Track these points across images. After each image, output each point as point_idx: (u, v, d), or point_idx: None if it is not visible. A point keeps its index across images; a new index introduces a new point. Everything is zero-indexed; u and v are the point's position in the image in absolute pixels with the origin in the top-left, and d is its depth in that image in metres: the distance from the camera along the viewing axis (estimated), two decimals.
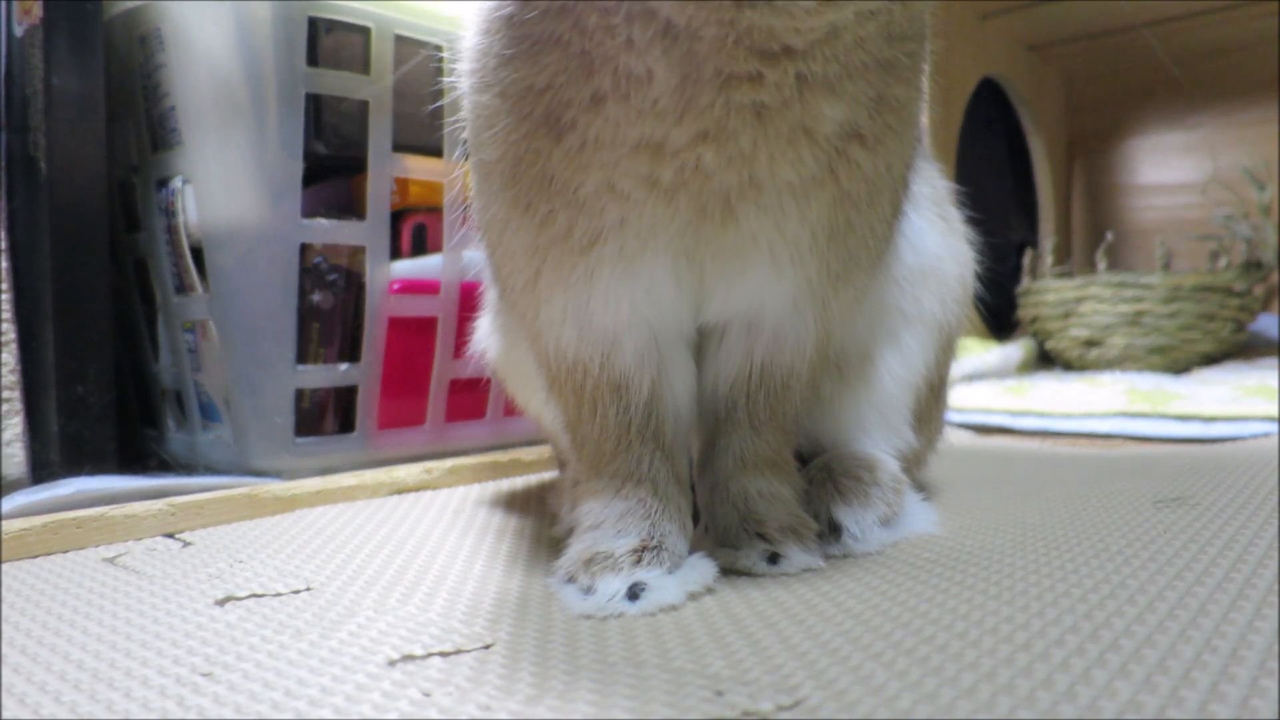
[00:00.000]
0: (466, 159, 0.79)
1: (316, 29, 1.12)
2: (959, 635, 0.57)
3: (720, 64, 0.61)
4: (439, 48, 1.21)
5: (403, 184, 1.22)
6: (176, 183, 1.17)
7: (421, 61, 1.20)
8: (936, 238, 0.93)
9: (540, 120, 0.65)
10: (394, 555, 0.84)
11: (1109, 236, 2.61)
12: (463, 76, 0.74)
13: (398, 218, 1.22)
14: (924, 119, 0.83)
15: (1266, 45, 2.56)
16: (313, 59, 1.11)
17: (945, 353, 0.96)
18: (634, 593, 0.67)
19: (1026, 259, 2.59)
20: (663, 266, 0.70)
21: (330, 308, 1.17)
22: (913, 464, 0.95)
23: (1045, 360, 2.46)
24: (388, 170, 1.18)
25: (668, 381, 0.76)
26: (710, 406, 0.80)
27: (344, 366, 1.18)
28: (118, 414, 1.16)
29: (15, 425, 1.08)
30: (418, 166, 1.22)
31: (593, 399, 0.75)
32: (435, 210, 1.26)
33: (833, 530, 0.81)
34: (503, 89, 0.67)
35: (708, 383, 0.80)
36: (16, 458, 1.07)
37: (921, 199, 0.92)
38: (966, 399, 1.83)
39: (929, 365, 0.93)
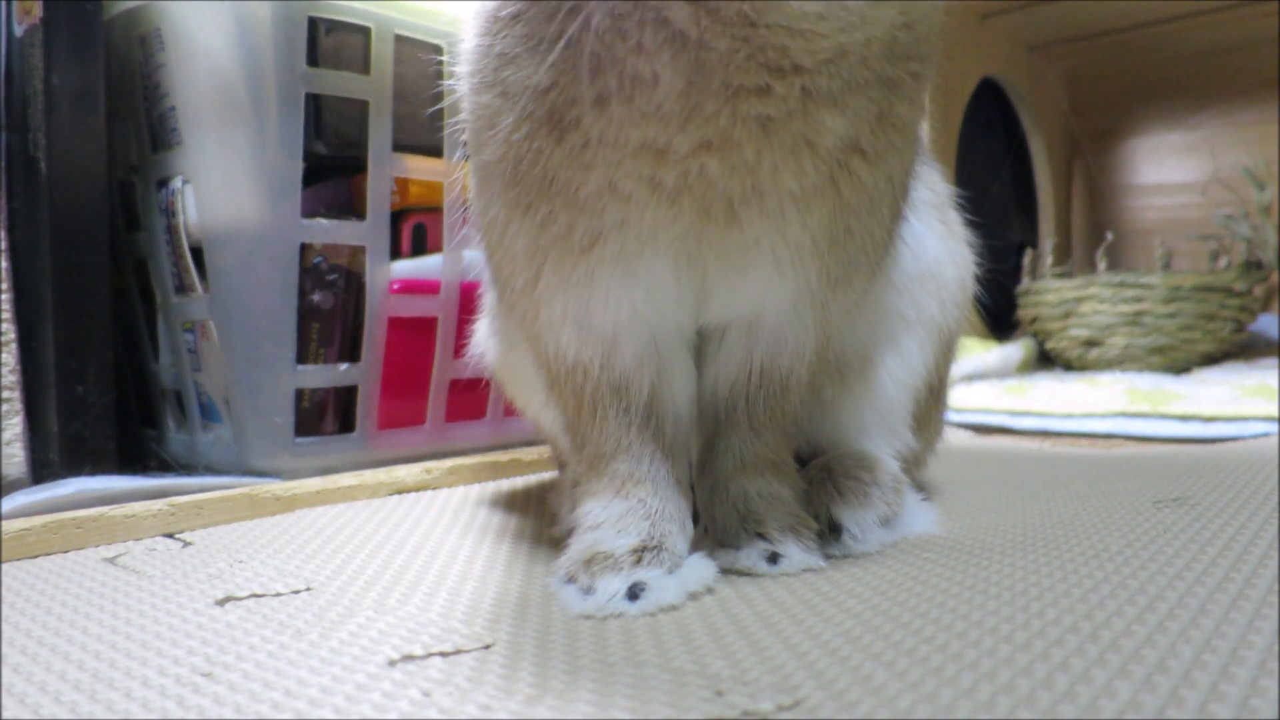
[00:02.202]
0: (467, 160, 0.79)
1: (316, 29, 1.12)
2: (959, 635, 0.57)
3: (729, 76, 0.61)
4: (438, 49, 1.21)
5: (403, 184, 1.22)
6: (176, 183, 1.17)
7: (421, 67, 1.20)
8: (936, 242, 0.93)
9: (542, 119, 0.65)
10: (394, 555, 0.84)
11: (1109, 236, 2.61)
12: (462, 79, 0.75)
13: (398, 218, 1.22)
14: (924, 124, 0.83)
15: (1266, 45, 2.56)
16: (313, 59, 1.11)
17: (945, 355, 0.96)
18: (634, 593, 0.67)
19: (1026, 259, 2.59)
20: (663, 268, 0.70)
21: (330, 308, 1.17)
22: (912, 465, 0.96)
23: (1045, 360, 2.46)
24: (388, 170, 1.18)
25: (667, 382, 0.76)
26: (710, 408, 0.80)
27: (344, 366, 1.18)
28: (118, 414, 1.16)
29: (15, 425, 1.08)
30: (418, 166, 1.22)
31: (593, 400, 0.75)
32: (435, 210, 1.26)
33: (833, 530, 0.81)
34: (505, 88, 0.67)
35: (707, 384, 0.80)
36: (16, 458, 1.07)
37: (922, 204, 0.92)
38: (966, 399, 1.83)
39: (928, 368, 0.93)
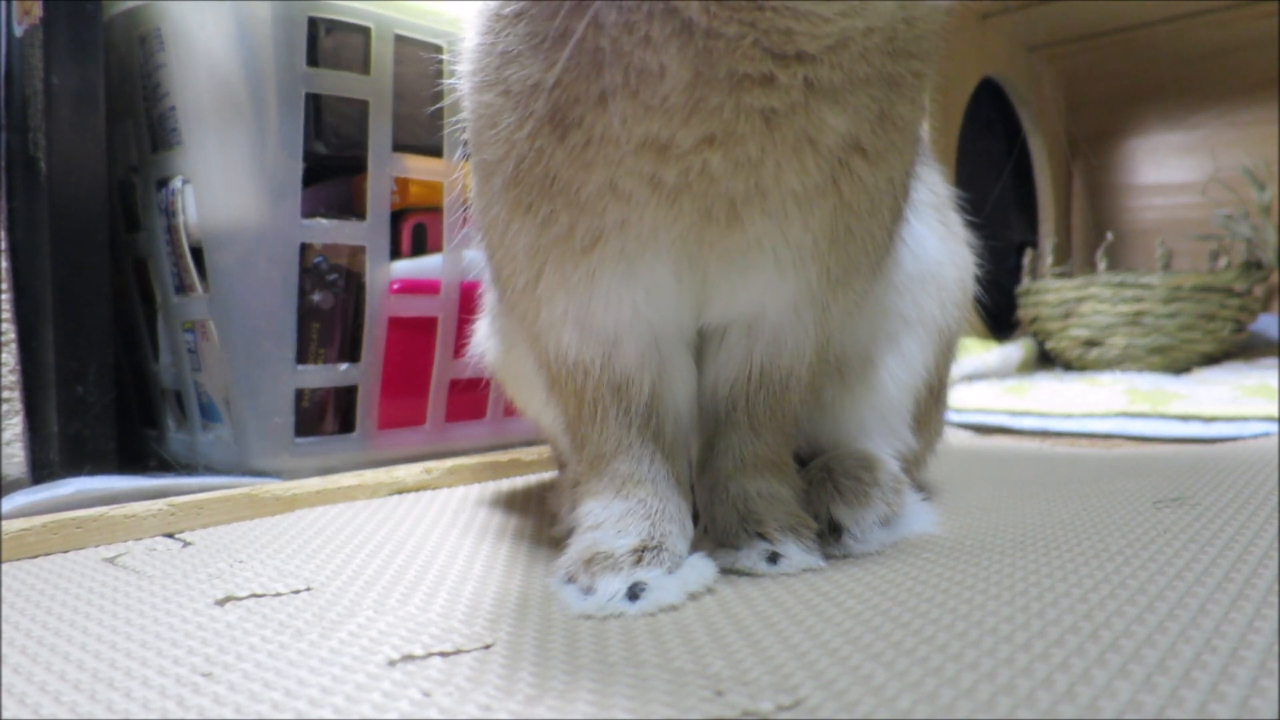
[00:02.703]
0: (467, 160, 0.79)
1: (316, 29, 1.12)
2: (959, 635, 0.57)
3: (734, 64, 0.61)
4: (438, 48, 1.21)
5: (403, 184, 1.22)
6: (176, 183, 1.17)
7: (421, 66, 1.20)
8: (936, 243, 0.93)
9: (545, 118, 0.65)
10: (394, 555, 0.84)
11: (1109, 236, 2.61)
12: (464, 78, 0.75)
13: (398, 218, 1.22)
14: (924, 125, 0.83)
15: (1266, 45, 2.56)
16: (313, 59, 1.11)
17: (945, 356, 0.96)
18: (634, 593, 0.67)
19: (1026, 259, 2.59)
20: (664, 268, 0.70)
21: (330, 308, 1.17)
22: (912, 465, 0.96)
23: (1045, 360, 2.47)
24: (388, 170, 1.18)
25: (668, 382, 0.76)
26: (710, 408, 0.80)
27: (344, 366, 1.18)
28: (118, 414, 1.16)
29: (15, 425, 1.08)
30: (418, 166, 1.22)
31: (593, 400, 0.75)
32: (435, 210, 1.26)
33: (833, 530, 0.81)
34: (507, 87, 0.67)
35: (707, 384, 0.80)
36: (16, 458, 1.07)
37: (922, 205, 0.92)
38: (966, 399, 1.83)
39: (929, 368, 0.93)
